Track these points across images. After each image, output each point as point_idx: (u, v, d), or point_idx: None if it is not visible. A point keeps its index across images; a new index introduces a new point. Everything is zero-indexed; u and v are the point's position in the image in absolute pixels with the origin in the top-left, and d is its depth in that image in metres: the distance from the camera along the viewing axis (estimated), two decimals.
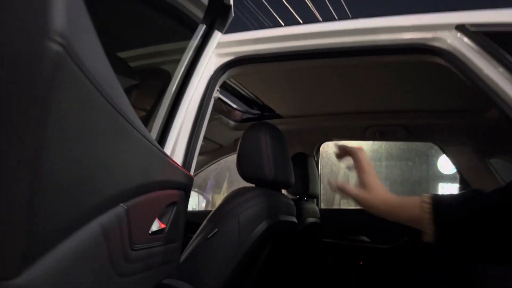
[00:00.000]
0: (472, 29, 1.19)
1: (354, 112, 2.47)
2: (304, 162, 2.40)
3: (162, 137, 1.23)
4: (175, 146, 1.26)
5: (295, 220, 1.72)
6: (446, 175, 3.36)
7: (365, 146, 3.42)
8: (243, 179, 1.58)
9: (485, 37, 1.17)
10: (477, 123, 2.32)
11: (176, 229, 1.01)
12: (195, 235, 1.43)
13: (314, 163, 2.52)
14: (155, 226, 0.85)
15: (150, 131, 1.25)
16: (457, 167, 2.59)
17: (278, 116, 2.64)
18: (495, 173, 2.46)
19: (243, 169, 1.56)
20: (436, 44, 1.24)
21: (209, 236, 1.38)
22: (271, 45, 1.44)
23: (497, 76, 1.12)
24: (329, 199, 3.14)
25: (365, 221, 2.72)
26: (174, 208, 0.99)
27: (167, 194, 0.92)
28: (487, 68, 1.14)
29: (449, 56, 1.22)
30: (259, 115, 2.72)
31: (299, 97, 2.30)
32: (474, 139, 2.46)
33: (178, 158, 1.27)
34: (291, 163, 1.71)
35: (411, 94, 2.12)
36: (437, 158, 3.09)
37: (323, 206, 2.93)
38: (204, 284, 1.30)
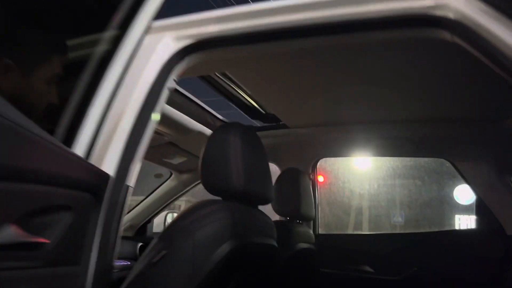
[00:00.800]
0: None
1: (354, 122, 2.19)
2: (296, 179, 2.11)
3: (71, 130, 0.95)
4: (97, 143, 0.99)
5: (274, 243, 1.42)
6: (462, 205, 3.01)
7: (366, 163, 3.13)
8: (207, 190, 1.30)
9: None
10: (495, 134, 2.02)
11: (75, 247, 0.72)
12: (140, 258, 1.15)
13: (308, 180, 2.22)
14: (8, 236, 0.57)
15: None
16: (472, 187, 2.26)
17: (269, 128, 2.37)
18: None
19: (206, 178, 1.28)
20: (439, 13, 0.97)
21: (154, 260, 1.09)
22: (239, 24, 1.18)
23: None
24: (329, 223, 2.82)
25: (368, 248, 2.40)
26: (68, 215, 0.70)
27: (46, 192, 0.64)
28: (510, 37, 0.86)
29: (457, 27, 0.94)
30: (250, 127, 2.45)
31: (289, 103, 2.04)
32: (491, 153, 2.15)
33: (108, 159, 1.00)
34: (269, 174, 1.42)
35: (417, 99, 1.84)
36: (448, 176, 2.76)
37: (321, 231, 2.60)
38: None
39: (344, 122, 2.21)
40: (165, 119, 2.01)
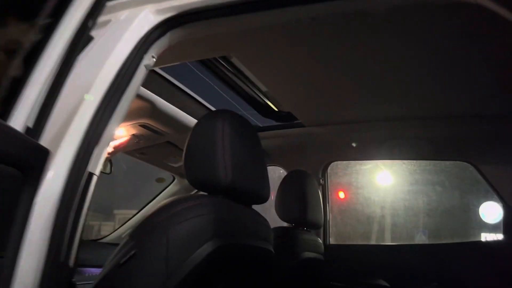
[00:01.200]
0: None
1: (371, 120, 2.01)
2: (302, 182, 1.93)
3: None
4: (51, 121, 0.85)
5: (270, 248, 1.24)
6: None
7: (380, 167, 2.92)
8: (191, 184, 1.15)
9: None
10: None
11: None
12: (109, 258, 0.99)
13: (317, 184, 2.04)
14: None
15: None
16: (499, 196, 2.03)
17: (274, 128, 2.21)
18: None
19: (190, 170, 1.13)
20: None
21: (122, 261, 0.94)
22: None
23: None
24: (341, 232, 2.61)
25: (383, 260, 2.19)
26: None
27: None
28: None
29: None
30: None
31: (306, 98, 1.88)
32: None
33: (66, 140, 0.85)
34: (264, 170, 1.26)
35: (439, 93, 1.66)
36: (472, 183, 2.52)
37: (332, 241, 2.40)
38: None
39: (360, 120, 2.02)
40: (163, 116, 1.87)
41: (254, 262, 1.21)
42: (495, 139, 1.92)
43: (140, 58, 1.05)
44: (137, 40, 1.05)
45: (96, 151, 0.91)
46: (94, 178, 0.92)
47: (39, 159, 0.70)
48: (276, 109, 2.19)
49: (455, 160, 2.16)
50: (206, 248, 0.97)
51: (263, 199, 1.24)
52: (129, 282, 0.93)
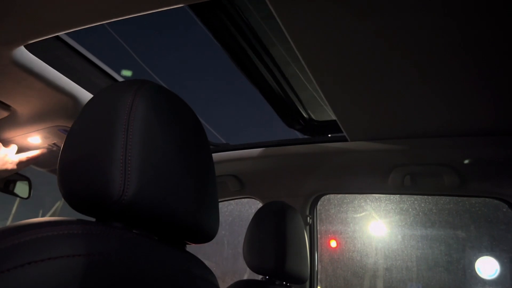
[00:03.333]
0: None
1: (372, 139, 1.52)
2: (283, 218, 1.40)
3: None
4: None
5: None
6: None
7: (385, 203, 2.40)
8: (67, 202, 0.63)
9: None
10: None
11: None
12: None
13: (302, 221, 1.51)
14: None
15: None
16: None
17: (249, 146, 1.71)
18: None
19: (64, 177, 0.62)
20: None
21: None
22: None
23: None
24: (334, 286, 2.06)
25: None
26: None
27: None
28: None
29: None
30: (223, 145, 1.79)
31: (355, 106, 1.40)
32: None
33: None
34: (210, 183, 0.75)
35: (467, 105, 1.20)
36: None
37: None
38: None
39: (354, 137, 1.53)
40: None
41: None
42: None
43: None
44: None
45: None
46: None
47: None
48: (306, 116, 1.69)
49: (487, 197, 1.64)
50: None
51: (203, 235, 0.73)
52: None
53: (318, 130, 1.74)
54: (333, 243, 2.54)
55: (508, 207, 1.59)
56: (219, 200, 1.76)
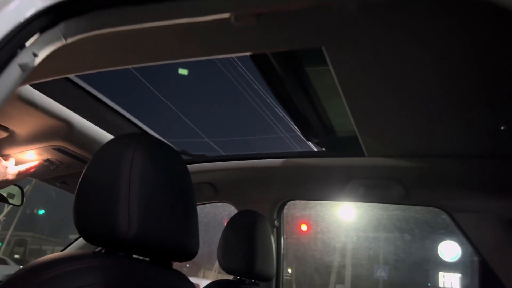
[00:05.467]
0: None
1: (330, 155, 1.74)
2: (251, 225, 1.61)
3: None
4: None
5: None
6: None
7: (343, 209, 2.66)
8: (82, 237, 0.82)
9: None
10: (505, 178, 1.58)
11: None
12: None
13: (269, 227, 1.72)
14: None
15: None
16: (474, 245, 1.78)
17: (223, 159, 1.91)
18: None
19: (79, 217, 0.80)
20: None
21: None
22: None
23: None
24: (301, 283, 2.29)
25: None
26: None
27: None
28: None
29: None
30: (199, 156, 1.98)
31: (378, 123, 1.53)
32: (502, 204, 1.69)
33: None
34: (191, 215, 0.94)
35: (415, 128, 1.42)
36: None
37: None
38: None
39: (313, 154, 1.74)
40: (82, 138, 1.53)
41: None
42: (475, 181, 1.68)
43: (12, 54, 0.72)
44: (10, 27, 0.73)
45: None
46: None
47: None
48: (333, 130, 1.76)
49: (428, 206, 1.90)
50: None
51: (188, 255, 0.92)
52: None
53: (340, 145, 1.82)
54: (304, 227, 2.73)
55: (446, 215, 1.85)
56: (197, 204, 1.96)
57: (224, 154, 1.95)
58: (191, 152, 1.98)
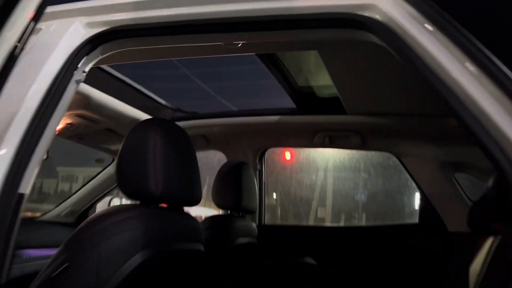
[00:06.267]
0: None
1: (301, 113, 2.13)
2: (237, 171, 2.03)
3: None
4: None
5: (200, 247, 1.34)
6: None
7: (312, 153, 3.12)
8: (123, 193, 1.20)
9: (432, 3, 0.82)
10: (439, 131, 2.00)
11: None
12: (42, 269, 1.04)
13: (252, 171, 2.14)
14: None
15: None
16: (416, 182, 2.25)
17: (214, 116, 2.27)
18: (460, 189, 2.14)
19: (122, 180, 1.17)
20: (366, 14, 0.88)
21: (54, 274, 0.99)
22: (160, 12, 1.06)
23: (447, 59, 0.77)
24: (275, 212, 2.78)
25: (311, 240, 2.38)
26: None
27: None
28: (435, 48, 0.79)
29: (384, 31, 0.86)
30: (193, 114, 2.34)
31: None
32: (436, 150, 2.14)
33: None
34: (196, 173, 1.33)
35: (363, 92, 1.78)
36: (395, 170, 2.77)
37: (267, 222, 2.56)
38: None
39: (288, 112, 2.14)
40: (101, 107, 1.87)
41: (185, 266, 1.31)
42: (414, 133, 2.10)
43: (71, 74, 1.06)
44: (67, 55, 1.06)
45: (27, 172, 0.94)
46: (25, 198, 0.95)
47: None
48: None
49: (380, 151, 2.35)
50: (135, 260, 1.04)
51: (195, 201, 1.32)
52: None
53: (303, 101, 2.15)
54: (287, 155, 3.09)
55: (396, 158, 2.30)
56: None
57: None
58: (185, 109, 2.34)
